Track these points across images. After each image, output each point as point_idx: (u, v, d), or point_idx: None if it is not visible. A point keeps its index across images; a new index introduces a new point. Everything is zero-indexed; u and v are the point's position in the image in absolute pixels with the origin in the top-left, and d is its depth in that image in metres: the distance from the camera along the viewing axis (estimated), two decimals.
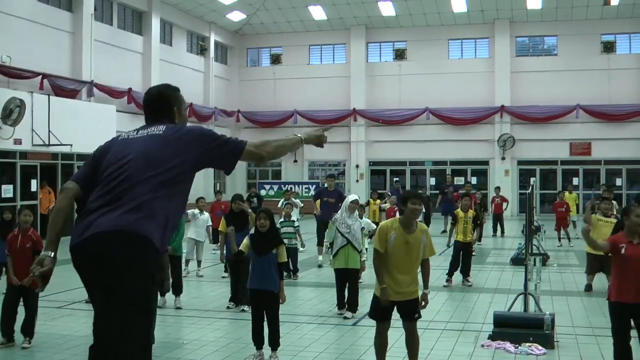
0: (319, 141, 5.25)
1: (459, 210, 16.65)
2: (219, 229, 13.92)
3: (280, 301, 9.45)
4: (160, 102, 5.05)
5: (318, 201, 19.59)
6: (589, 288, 15.16)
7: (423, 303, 8.36)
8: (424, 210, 25.22)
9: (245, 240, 9.79)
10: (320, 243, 18.96)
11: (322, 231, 18.92)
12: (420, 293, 8.39)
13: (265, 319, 9.44)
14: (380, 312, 8.43)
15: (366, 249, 14.09)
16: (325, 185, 20.15)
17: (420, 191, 28.78)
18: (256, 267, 9.46)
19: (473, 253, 20.73)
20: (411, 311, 8.32)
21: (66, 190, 4.71)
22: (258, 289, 9.39)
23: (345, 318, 12.26)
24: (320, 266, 18.60)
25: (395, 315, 8.45)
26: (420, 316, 8.45)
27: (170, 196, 4.55)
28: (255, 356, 9.39)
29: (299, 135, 5.10)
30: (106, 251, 4.25)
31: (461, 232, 16.28)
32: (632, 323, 8.07)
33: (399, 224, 8.26)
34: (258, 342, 9.44)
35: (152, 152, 4.59)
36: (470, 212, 16.49)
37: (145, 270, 4.39)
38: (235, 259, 9.94)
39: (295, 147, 5.12)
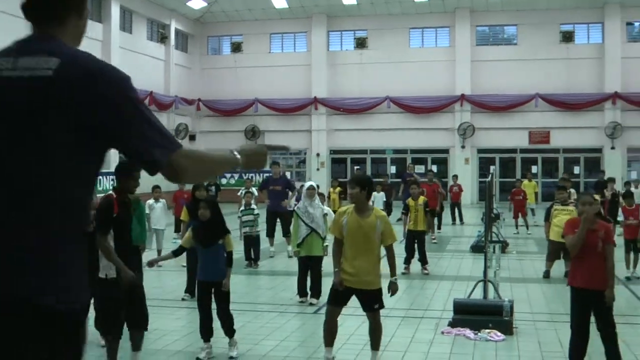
0: (260, 162, 3.57)
1: (409, 199, 16.67)
2: (181, 217, 13.88)
3: (223, 288, 9.20)
4: None
5: (265, 191, 19.31)
6: (547, 275, 15.35)
7: (391, 292, 8.38)
8: (384, 198, 25.35)
9: (187, 234, 9.59)
10: (269, 234, 18.76)
11: (271, 222, 18.83)
12: (382, 284, 8.39)
13: (217, 309, 9.29)
14: (333, 295, 8.48)
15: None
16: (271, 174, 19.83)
17: (382, 179, 28.94)
18: (203, 258, 9.28)
19: (434, 241, 20.93)
20: (370, 302, 8.31)
21: None
22: (206, 280, 9.24)
23: (311, 304, 12.28)
24: (272, 257, 18.52)
25: (357, 303, 8.48)
26: (381, 306, 8.42)
27: None
28: (203, 349, 9.22)
29: (237, 155, 3.37)
30: None
31: (412, 221, 16.30)
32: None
33: (353, 208, 8.32)
34: (206, 334, 9.25)
35: None
36: (421, 200, 16.52)
37: None
38: (181, 253, 9.68)
39: (227, 169, 3.55)
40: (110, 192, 8.15)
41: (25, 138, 2.73)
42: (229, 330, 9.28)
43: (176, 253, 9.70)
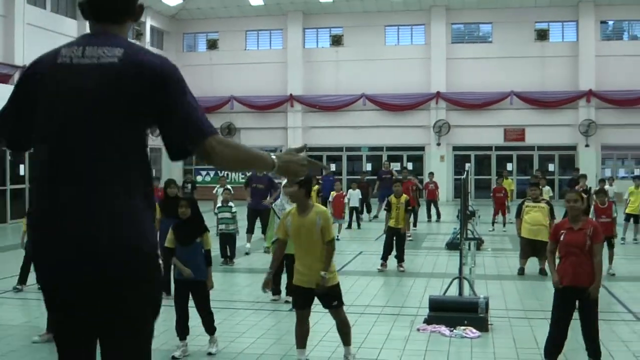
0: (298, 172, 3.67)
1: (392, 197, 16.67)
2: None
3: (208, 288, 9.26)
4: None
5: (248, 189, 19.15)
6: (521, 272, 15.39)
7: (318, 285, 8.19)
8: (360, 196, 25.36)
9: (170, 235, 9.48)
10: (249, 230, 18.75)
11: (252, 219, 18.78)
12: (335, 281, 8.33)
13: (197, 308, 9.24)
14: (295, 300, 8.50)
15: None
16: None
17: (359, 177, 28.82)
18: (181, 257, 9.20)
19: (409, 238, 20.94)
20: (328, 299, 8.26)
21: None
22: (184, 279, 9.15)
23: (287, 302, 12.19)
24: (247, 253, 18.46)
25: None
26: (340, 304, 8.33)
27: None
28: (179, 347, 9.10)
29: (275, 159, 3.53)
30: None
31: (394, 218, 16.30)
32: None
33: (295, 208, 8.33)
34: (182, 332, 9.16)
35: None
36: (403, 198, 16.52)
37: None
38: (166, 254, 9.57)
39: (261, 167, 3.62)
40: None
41: (94, 117, 3.22)
42: (210, 328, 9.24)
43: (172, 254, 9.65)
